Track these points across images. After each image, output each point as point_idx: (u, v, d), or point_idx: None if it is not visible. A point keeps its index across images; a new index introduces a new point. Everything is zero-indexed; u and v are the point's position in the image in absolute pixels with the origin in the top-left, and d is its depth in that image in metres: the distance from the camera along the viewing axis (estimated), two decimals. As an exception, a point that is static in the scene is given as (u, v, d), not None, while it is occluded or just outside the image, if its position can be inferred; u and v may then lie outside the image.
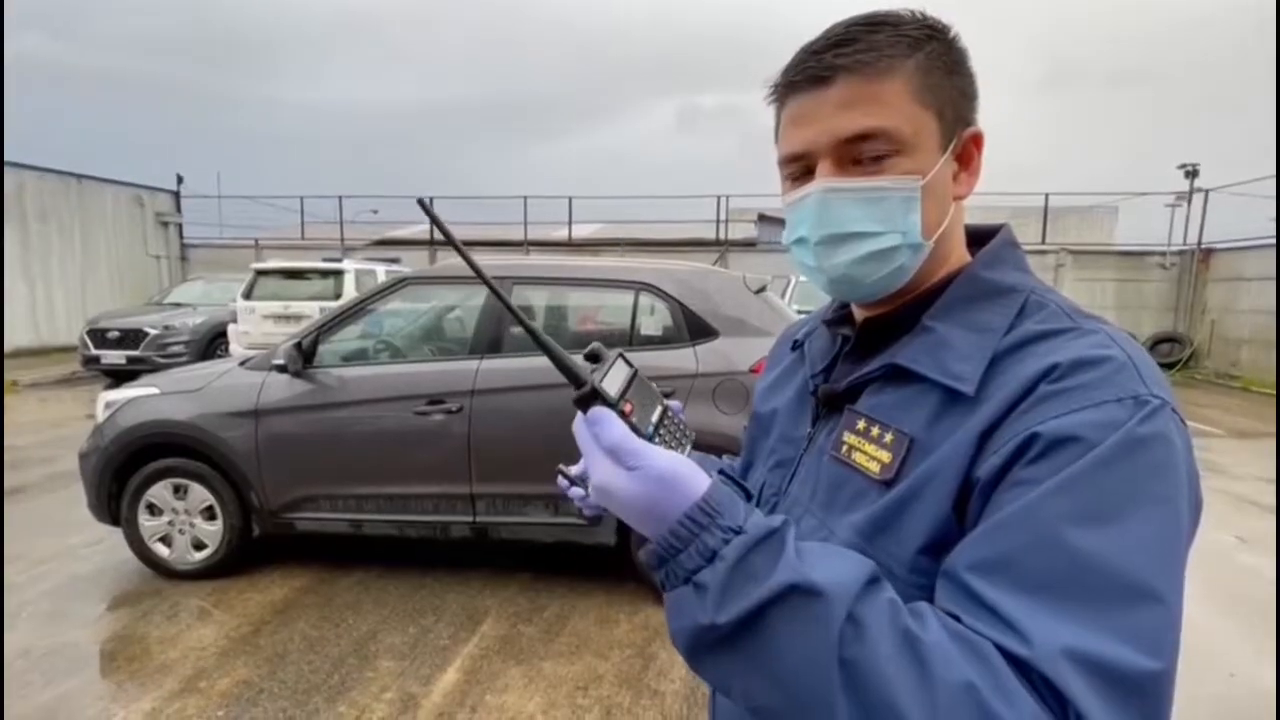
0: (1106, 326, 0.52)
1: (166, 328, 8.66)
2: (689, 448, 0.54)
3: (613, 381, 0.50)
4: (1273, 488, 4.77)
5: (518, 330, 3.45)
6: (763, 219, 16.16)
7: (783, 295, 7.13)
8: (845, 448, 0.57)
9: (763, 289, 3.17)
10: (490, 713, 2.24)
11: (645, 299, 3.10)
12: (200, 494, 3.10)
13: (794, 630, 0.41)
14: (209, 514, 3.12)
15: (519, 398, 2.90)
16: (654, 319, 3.17)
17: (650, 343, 3.08)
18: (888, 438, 0.54)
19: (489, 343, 3.07)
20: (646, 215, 15.44)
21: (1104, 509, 0.42)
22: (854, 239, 0.56)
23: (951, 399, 0.51)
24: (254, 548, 3.25)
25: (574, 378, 0.50)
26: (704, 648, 0.44)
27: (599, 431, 0.46)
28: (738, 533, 0.43)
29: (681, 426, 0.55)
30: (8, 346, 11.25)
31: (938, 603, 0.45)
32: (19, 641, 2.65)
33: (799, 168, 0.58)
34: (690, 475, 0.45)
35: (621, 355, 0.53)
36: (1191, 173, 12.21)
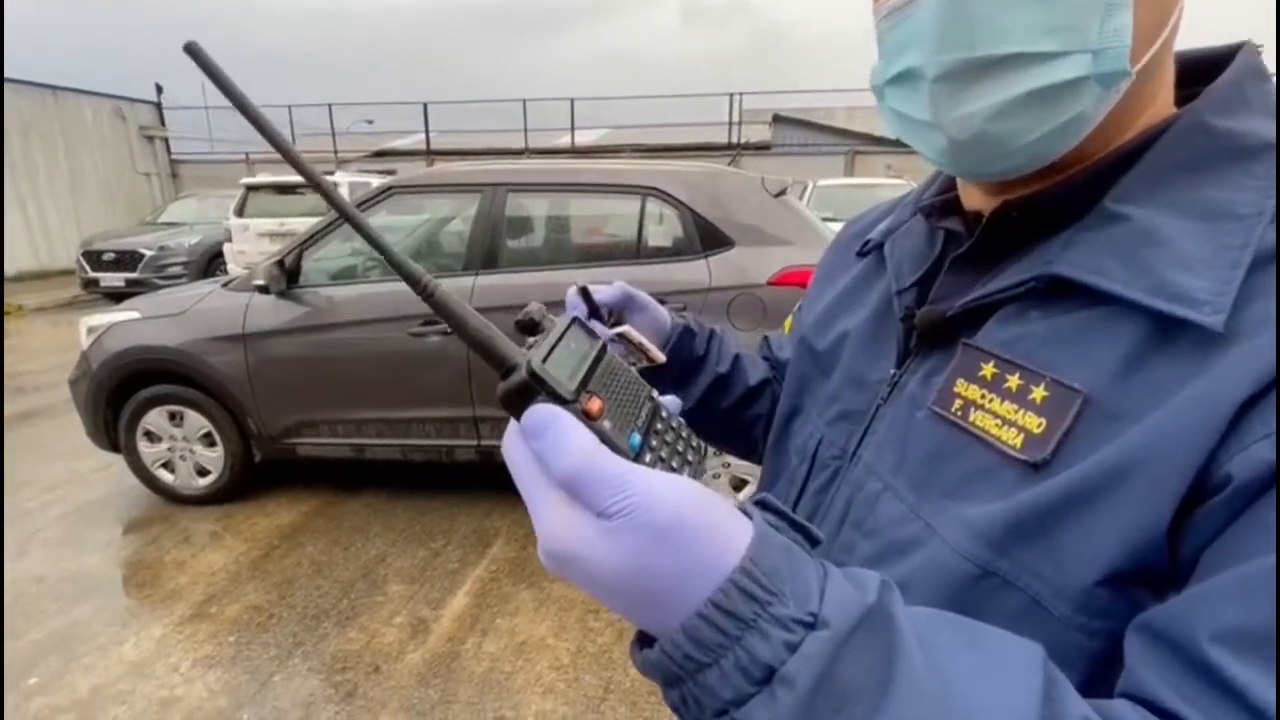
0: None
1: (162, 248, 8.43)
2: (704, 469, 0.32)
3: (564, 362, 0.29)
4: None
5: (515, 243, 3.20)
6: (778, 120, 15.19)
7: (800, 200, 6.67)
8: (958, 404, 0.37)
9: (783, 192, 2.86)
10: (501, 636, 2.22)
11: (653, 205, 2.82)
12: (197, 420, 3.01)
13: None
14: (208, 440, 3.04)
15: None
16: (663, 228, 2.90)
17: (660, 254, 2.83)
18: (1036, 392, 0.33)
19: (484, 257, 2.83)
20: (653, 119, 14.53)
21: None
22: (1005, 67, 0.33)
23: (1168, 335, 0.30)
24: (260, 472, 3.21)
25: (493, 356, 0.29)
26: None
27: (546, 449, 0.25)
28: (810, 626, 0.23)
29: (684, 433, 0.32)
30: (9, 271, 11.13)
31: (1137, 678, 0.27)
32: (33, 568, 2.65)
33: None
34: (714, 519, 0.25)
35: (577, 320, 0.32)
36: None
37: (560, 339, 0.30)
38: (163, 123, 14.12)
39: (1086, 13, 0.31)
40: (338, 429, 2.95)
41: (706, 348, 0.66)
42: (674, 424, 0.32)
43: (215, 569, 2.63)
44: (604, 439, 0.27)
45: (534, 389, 0.27)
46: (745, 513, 0.26)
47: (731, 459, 2.78)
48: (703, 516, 0.24)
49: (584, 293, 0.61)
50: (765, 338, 0.75)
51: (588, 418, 0.27)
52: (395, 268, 0.29)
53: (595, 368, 0.30)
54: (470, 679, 2.02)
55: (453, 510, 3.07)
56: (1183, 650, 0.26)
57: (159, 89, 14.03)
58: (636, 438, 0.29)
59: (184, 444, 3.06)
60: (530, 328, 0.32)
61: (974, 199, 0.44)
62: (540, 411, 0.26)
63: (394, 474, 3.35)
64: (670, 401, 0.34)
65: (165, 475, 3.11)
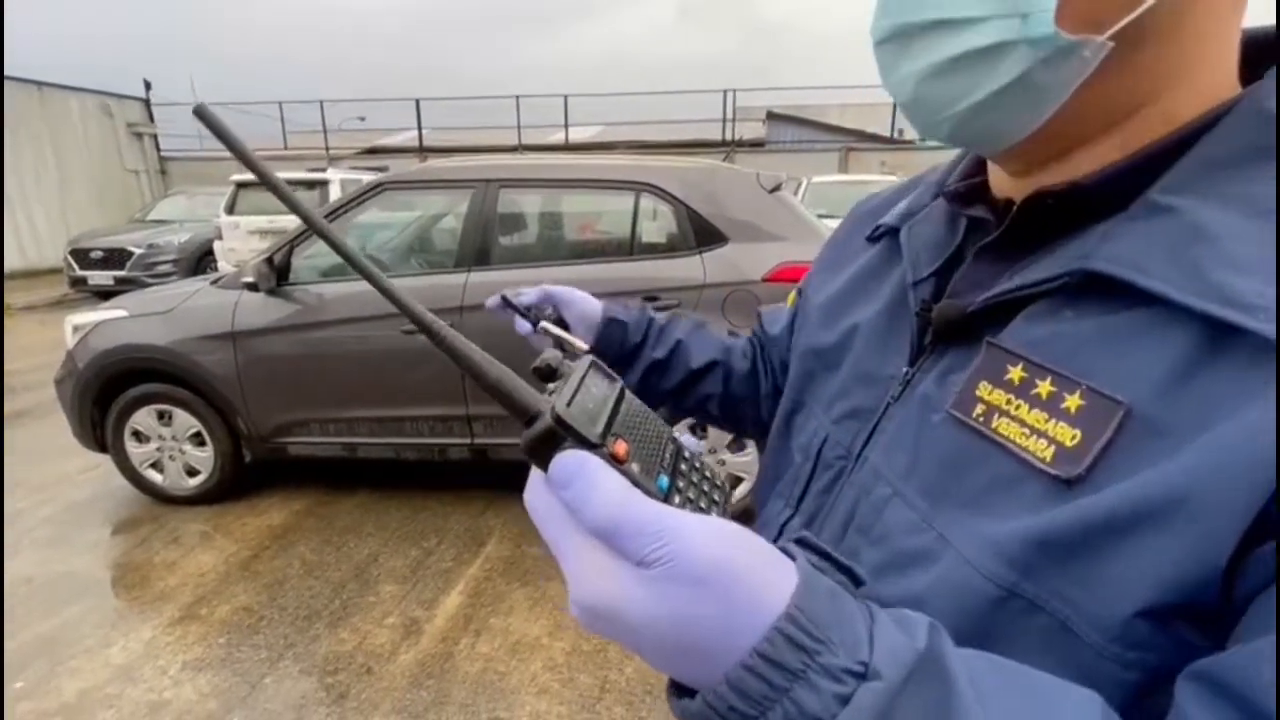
0: None
1: (151, 246, 8.35)
2: (730, 508, 0.31)
3: (587, 407, 0.28)
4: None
5: (508, 240, 3.18)
6: (772, 116, 15.18)
7: (794, 196, 6.63)
8: (980, 409, 0.34)
9: (778, 188, 2.85)
10: (495, 636, 2.20)
11: (647, 201, 2.80)
12: (185, 420, 2.97)
13: None
14: (198, 440, 3.01)
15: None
16: (657, 224, 2.88)
17: (654, 251, 2.81)
18: (1070, 400, 0.30)
19: (477, 254, 2.81)
20: (648, 115, 14.50)
21: None
22: (934, 32, 0.33)
23: (1222, 344, 0.27)
24: (251, 471, 3.17)
25: (515, 404, 0.28)
26: None
27: (576, 497, 0.24)
28: (862, 676, 0.22)
29: (707, 473, 0.31)
30: (-4, 269, 10.99)
31: None
32: (21, 569, 2.62)
33: None
34: (756, 563, 0.24)
35: (595, 363, 0.31)
36: None
37: (581, 383, 0.29)
38: (151, 119, 13.96)
39: None
40: (329, 428, 2.92)
41: (644, 336, 0.70)
42: (697, 464, 0.32)
43: (205, 570, 2.60)
44: (634, 483, 0.26)
45: (560, 436, 0.26)
46: (787, 553, 0.25)
47: (727, 456, 2.77)
48: (744, 561, 0.23)
49: (504, 300, 0.70)
50: (758, 312, 0.77)
51: (616, 461, 0.26)
52: (407, 315, 0.29)
53: (617, 410, 0.29)
54: (464, 680, 2.01)
55: (446, 509, 3.04)
56: (1249, 705, 0.23)
57: (147, 85, 13.87)
58: (664, 480, 0.28)
59: (173, 444, 3.02)
60: (548, 374, 0.31)
61: (1004, 185, 0.41)
62: (568, 459, 0.25)
63: (386, 473, 3.33)
64: (690, 442, 0.33)
65: (154, 475, 3.07)
